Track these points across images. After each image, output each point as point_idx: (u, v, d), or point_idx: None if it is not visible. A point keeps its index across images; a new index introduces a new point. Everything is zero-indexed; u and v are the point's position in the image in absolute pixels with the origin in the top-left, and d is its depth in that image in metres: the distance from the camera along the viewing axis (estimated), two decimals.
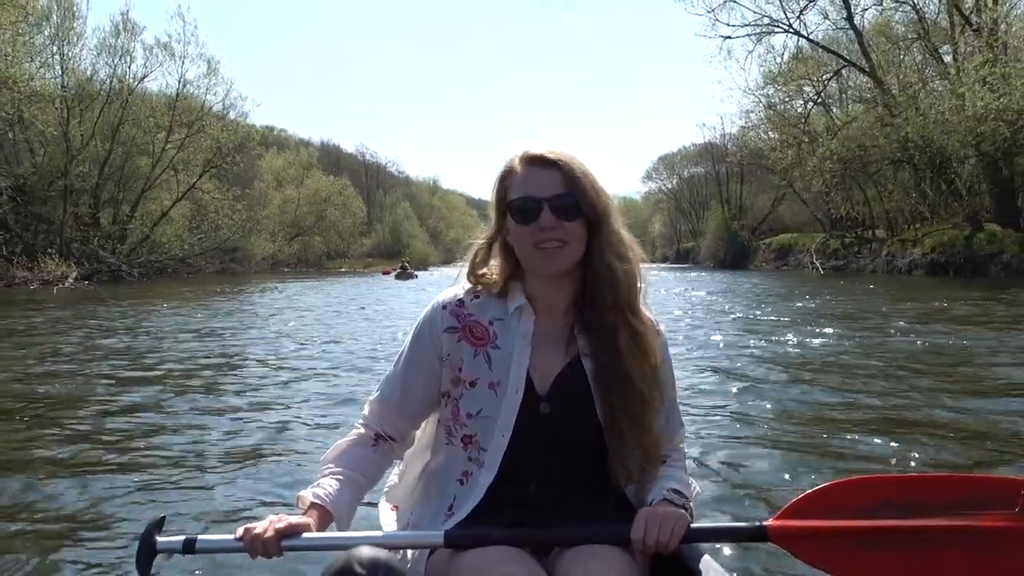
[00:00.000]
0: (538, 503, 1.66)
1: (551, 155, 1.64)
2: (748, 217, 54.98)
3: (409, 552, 1.66)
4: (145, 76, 40.91)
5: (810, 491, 1.64)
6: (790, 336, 9.84)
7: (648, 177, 76.56)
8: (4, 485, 3.89)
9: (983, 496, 1.59)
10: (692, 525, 1.58)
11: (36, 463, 4.38)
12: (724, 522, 1.71)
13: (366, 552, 1.18)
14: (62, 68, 36.56)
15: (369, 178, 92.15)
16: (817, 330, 10.53)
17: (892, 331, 10.13)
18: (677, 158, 70.13)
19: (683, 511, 1.59)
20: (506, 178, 1.68)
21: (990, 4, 28.18)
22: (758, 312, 14.42)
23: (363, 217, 74.54)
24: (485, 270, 1.78)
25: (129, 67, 40.36)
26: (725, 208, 56.61)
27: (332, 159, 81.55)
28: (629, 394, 1.67)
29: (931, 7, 31.66)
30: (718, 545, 1.70)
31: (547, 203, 1.61)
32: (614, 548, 1.56)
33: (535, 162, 1.65)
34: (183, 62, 42.09)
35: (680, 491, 1.64)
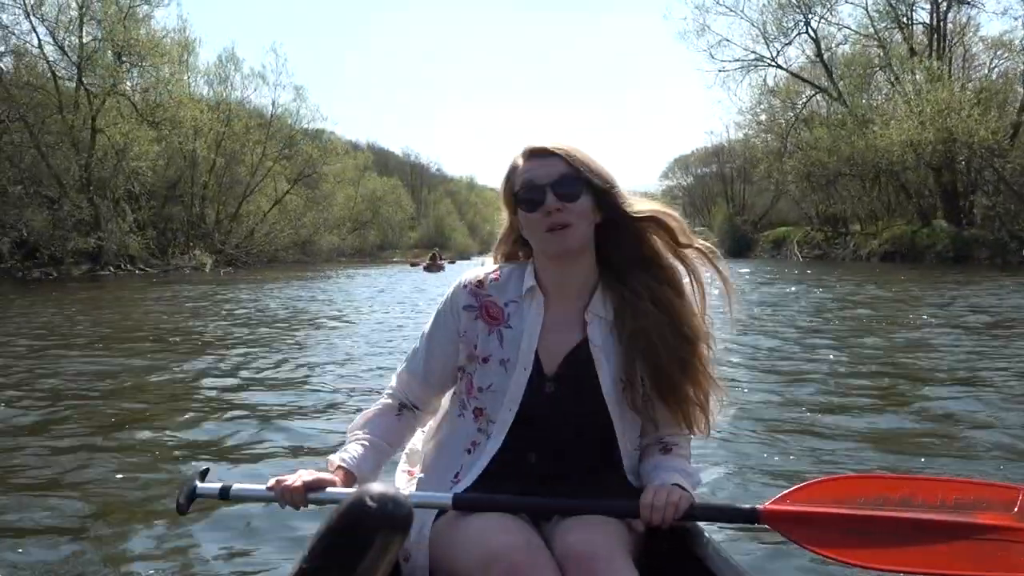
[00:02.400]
0: (540, 475, 1.72)
1: (550, 145, 1.72)
2: (751, 213, 62.39)
3: (415, 514, 1.59)
4: (242, 100, 50.08)
5: (808, 482, 1.68)
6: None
7: (665, 176, 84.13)
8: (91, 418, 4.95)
9: (981, 498, 1.59)
10: (694, 504, 1.62)
11: (149, 391, 6.04)
12: (723, 503, 1.77)
13: (376, 487, 1.23)
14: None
15: (414, 177, 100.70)
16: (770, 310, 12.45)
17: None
18: (691, 159, 77.60)
19: (687, 492, 1.64)
20: (511, 174, 1.76)
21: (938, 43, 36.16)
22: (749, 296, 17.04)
23: (412, 213, 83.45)
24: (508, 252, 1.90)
25: (231, 93, 49.56)
26: (729, 205, 64.35)
27: (382, 161, 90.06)
28: (655, 354, 1.70)
29: (895, 38, 39.46)
30: (715, 527, 1.76)
31: (549, 187, 1.68)
32: (611, 520, 1.63)
33: (536, 154, 1.73)
34: (275, 88, 51.37)
35: (682, 485, 1.66)
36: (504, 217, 1.85)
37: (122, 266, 34.03)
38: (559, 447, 1.73)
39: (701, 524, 1.73)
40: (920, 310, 12.30)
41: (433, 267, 37.13)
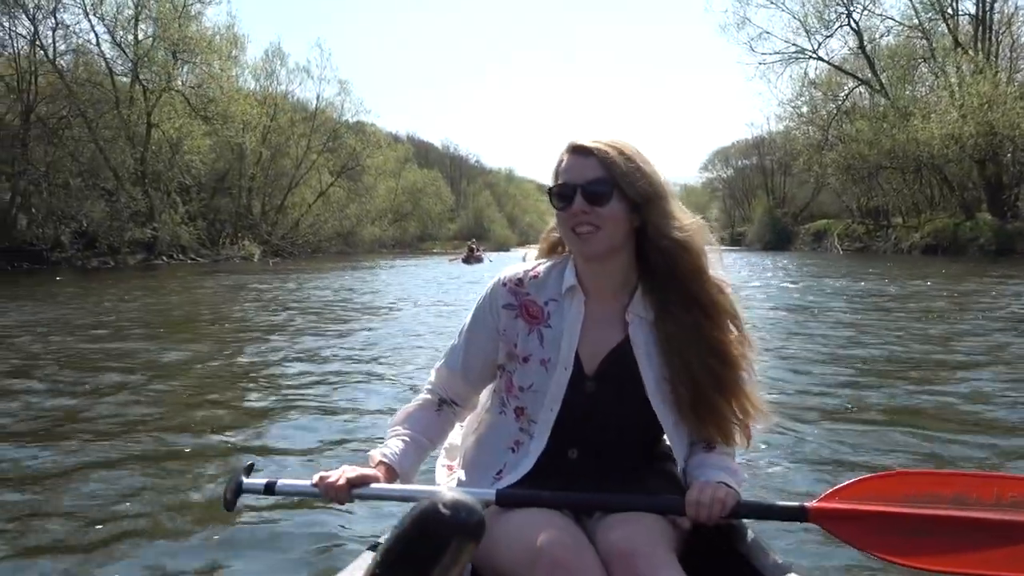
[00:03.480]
0: (582, 472, 1.72)
1: (591, 143, 1.69)
2: (791, 205, 62.05)
3: None
4: (288, 93, 51.23)
5: (857, 479, 1.65)
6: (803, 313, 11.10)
7: (705, 168, 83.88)
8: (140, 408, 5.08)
9: None
10: (740, 501, 1.61)
11: (191, 374, 6.30)
12: (769, 501, 1.72)
13: (448, 494, 1.23)
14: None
15: (454, 169, 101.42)
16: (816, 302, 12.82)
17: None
18: (731, 151, 77.26)
19: (733, 490, 1.63)
20: (556, 168, 1.74)
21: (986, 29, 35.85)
22: (789, 286, 17.26)
23: (451, 204, 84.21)
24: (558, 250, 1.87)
25: (277, 87, 50.72)
26: (769, 197, 64.06)
27: (423, 153, 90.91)
28: (690, 369, 1.68)
29: (939, 30, 39.10)
30: (761, 525, 1.70)
31: (580, 189, 1.66)
32: (656, 516, 1.62)
33: (577, 151, 1.71)
34: (320, 82, 52.48)
35: (727, 483, 1.64)
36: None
37: (175, 255, 35.34)
38: (601, 446, 1.74)
39: (746, 522, 1.73)
40: (967, 304, 12.27)
41: (471, 259, 36.39)
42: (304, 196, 51.14)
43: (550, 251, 1.88)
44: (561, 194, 1.70)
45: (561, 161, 1.74)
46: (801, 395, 5.51)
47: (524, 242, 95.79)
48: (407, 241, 71.02)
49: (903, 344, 8.11)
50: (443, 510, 1.20)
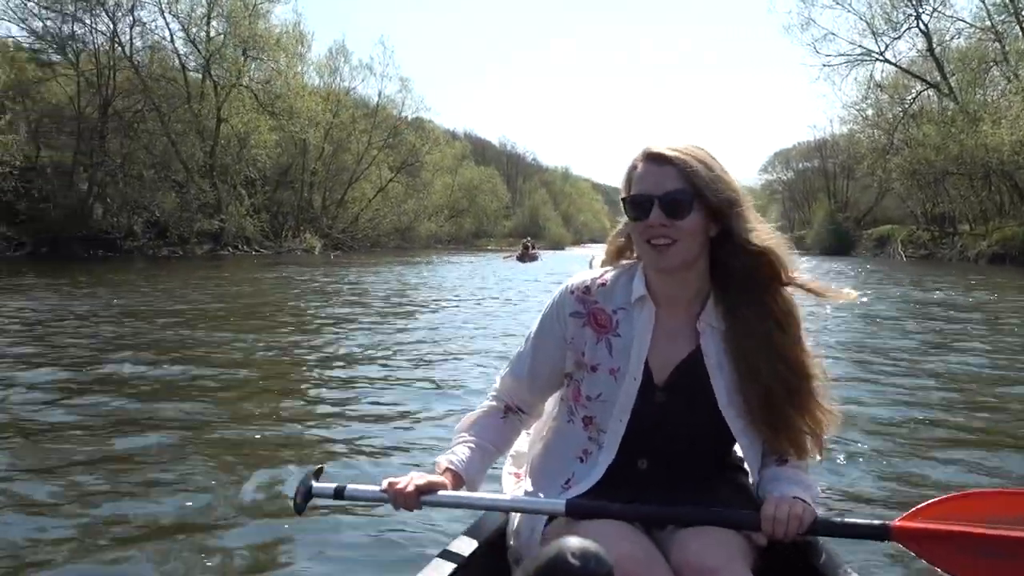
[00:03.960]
0: (651, 483, 1.69)
1: (669, 152, 1.63)
2: (854, 209, 60.87)
3: (527, 519, 1.74)
4: (350, 90, 52.14)
5: (942, 497, 1.57)
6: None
7: (764, 170, 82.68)
8: (204, 414, 4.94)
9: None
10: (817, 518, 1.56)
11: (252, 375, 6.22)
12: (848, 518, 1.58)
13: (575, 542, 1.20)
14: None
15: (510, 167, 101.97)
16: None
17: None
18: (792, 153, 76.07)
19: (809, 505, 1.58)
20: (629, 174, 1.70)
21: None
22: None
23: (507, 202, 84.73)
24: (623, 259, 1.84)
25: (340, 84, 51.71)
26: (831, 201, 62.94)
27: (480, 150, 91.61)
28: (761, 379, 1.64)
29: (1013, 32, 37.99)
30: (838, 543, 1.67)
31: (657, 200, 1.61)
32: (730, 531, 1.57)
33: (653, 159, 1.65)
34: (382, 79, 53.43)
35: (803, 499, 1.60)
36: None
37: (239, 247, 36.42)
38: (671, 456, 1.71)
39: (823, 539, 1.68)
40: None
41: (526, 257, 35.62)
42: (364, 191, 52.04)
43: (617, 256, 1.85)
44: (637, 204, 1.65)
45: (635, 168, 1.68)
46: (874, 408, 5.36)
47: (578, 241, 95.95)
48: (462, 237, 71.45)
49: (981, 357, 7.87)
50: (572, 560, 1.18)
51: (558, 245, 75.17)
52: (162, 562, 2.85)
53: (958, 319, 11.75)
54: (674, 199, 1.62)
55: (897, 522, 1.56)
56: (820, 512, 1.61)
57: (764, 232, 1.69)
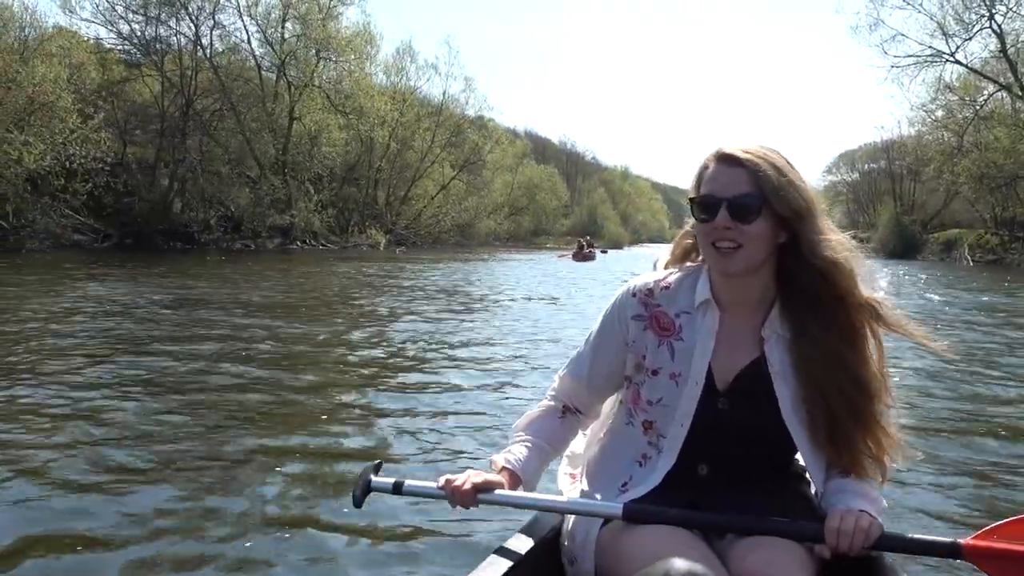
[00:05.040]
0: (711, 489, 1.67)
1: (741, 154, 1.60)
2: (920, 212, 59.65)
3: (582, 520, 1.72)
4: (415, 89, 53.28)
5: (1019, 516, 1.50)
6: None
7: (828, 171, 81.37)
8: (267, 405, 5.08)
9: None
10: (884, 533, 1.50)
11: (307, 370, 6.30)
12: (917, 534, 1.53)
13: (681, 565, 1.19)
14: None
15: (570, 165, 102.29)
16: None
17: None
18: (857, 154, 74.75)
19: (876, 519, 1.53)
20: (700, 173, 1.66)
21: None
22: (919, 296, 16.36)
23: (566, 200, 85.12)
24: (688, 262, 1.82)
25: (406, 83, 52.84)
26: (897, 204, 61.78)
27: (540, 149, 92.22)
28: (830, 384, 1.60)
29: None
30: (907, 560, 1.64)
31: (726, 203, 1.59)
32: (792, 543, 1.54)
33: (724, 160, 1.62)
34: (447, 79, 54.47)
35: (869, 512, 1.54)
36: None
37: (307, 241, 37.75)
38: (732, 463, 1.68)
39: (890, 555, 1.63)
40: None
41: (580, 256, 35.06)
42: (426, 188, 53.09)
43: (683, 257, 1.83)
44: (705, 205, 1.63)
45: (706, 168, 1.66)
46: (943, 419, 5.23)
47: (636, 240, 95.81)
48: (521, 235, 71.47)
49: None
50: None
51: (616, 244, 75.33)
52: (224, 552, 2.91)
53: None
54: (742, 203, 1.59)
55: (970, 540, 1.49)
56: (887, 527, 1.55)
57: (837, 244, 1.64)
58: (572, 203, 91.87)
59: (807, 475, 1.74)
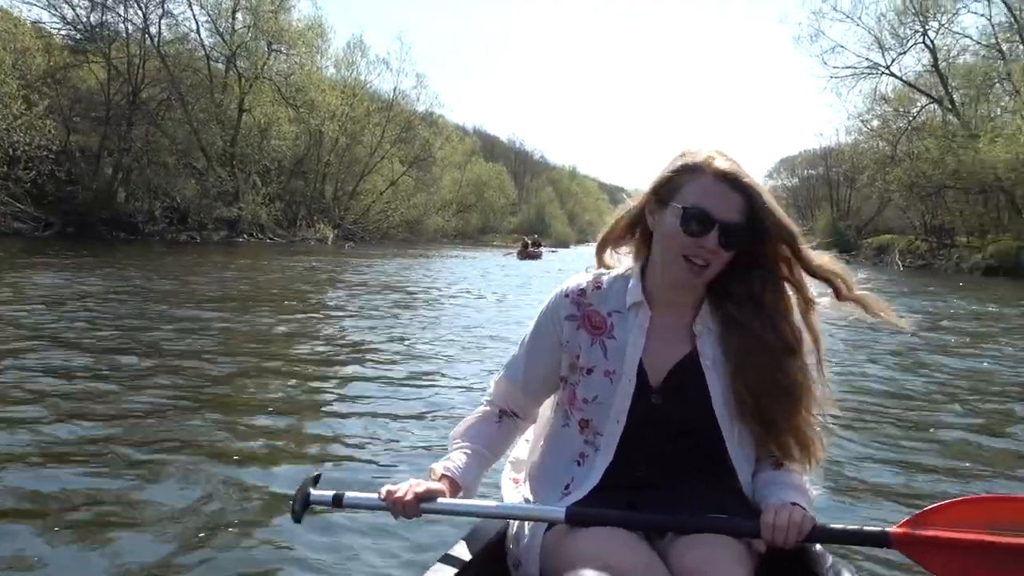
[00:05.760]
0: (650, 487, 1.68)
1: (744, 180, 1.62)
2: (856, 218, 61.72)
3: (526, 525, 1.72)
4: (366, 84, 53.08)
5: (942, 503, 1.55)
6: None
7: (769, 176, 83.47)
8: (196, 424, 4.49)
9: None
10: (817, 525, 1.55)
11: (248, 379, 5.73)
12: (846, 524, 1.57)
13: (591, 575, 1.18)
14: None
15: (518, 164, 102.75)
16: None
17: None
18: (797, 160, 76.87)
19: (809, 512, 1.58)
20: (686, 175, 1.65)
21: None
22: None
23: (514, 199, 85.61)
24: (610, 258, 1.84)
25: (356, 77, 52.61)
26: (833, 209, 63.88)
27: (489, 147, 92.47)
28: (762, 376, 1.65)
29: (1017, 51, 38.92)
30: (840, 550, 1.67)
31: (719, 225, 1.59)
32: (730, 539, 1.56)
33: (725, 178, 1.62)
34: (398, 75, 54.41)
35: (801, 504, 1.59)
36: (638, 196, 1.77)
37: (254, 235, 37.44)
38: (668, 459, 1.70)
39: (823, 545, 1.68)
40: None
41: (525, 255, 34.98)
42: (375, 184, 52.95)
43: (627, 231, 1.82)
44: (697, 220, 1.61)
45: (698, 173, 1.64)
46: (872, 412, 5.43)
47: (583, 240, 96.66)
48: (468, 233, 71.32)
49: (979, 364, 8.11)
50: None
51: (563, 243, 76.05)
52: (153, 568, 2.75)
53: (951, 328, 12.09)
54: (735, 232, 1.62)
55: (898, 528, 1.54)
56: (819, 518, 1.60)
57: (826, 265, 1.73)
58: (520, 201, 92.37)
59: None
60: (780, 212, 1.67)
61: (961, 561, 1.50)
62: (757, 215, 1.64)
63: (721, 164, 1.64)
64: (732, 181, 1.63)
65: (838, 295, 1.74)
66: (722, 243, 1.62)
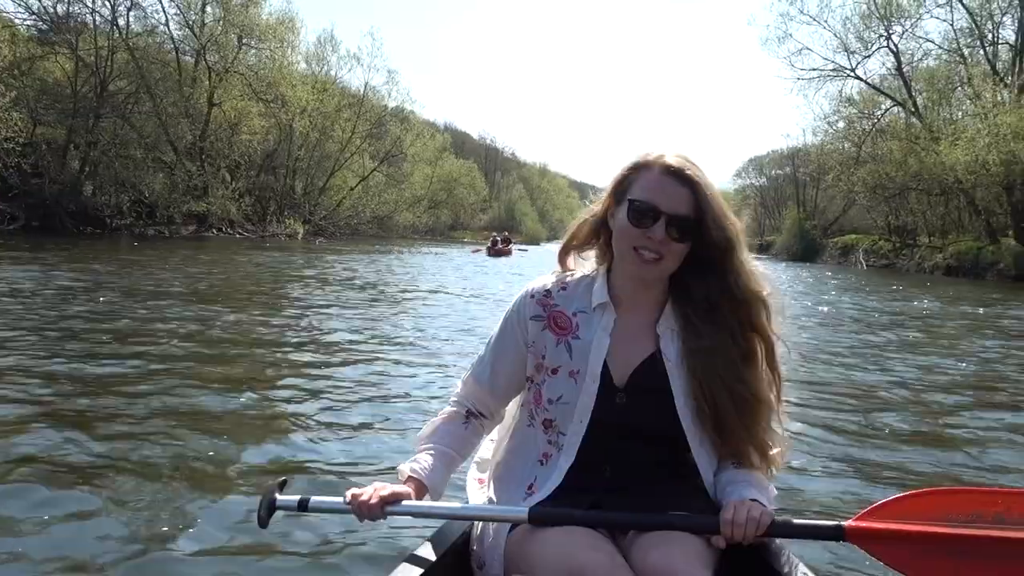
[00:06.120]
0: (613, 487, 1.70)
1: (690, 173, 1.65)
2: (822, 218, 62.72)
3: (491, 525, 1.73)
4: (336, 79, 52.87)
5: (895, 496, 1.60)
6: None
7: (738, 175, 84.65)
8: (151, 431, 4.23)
9: None
10: (774, 520, 1.59)
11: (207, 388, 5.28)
12: (804, 519, 1.61)
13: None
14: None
15: (488, 161, 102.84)
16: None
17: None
18: (766, 160, 78.10)
19: (766, 507, 1.62)
20: (636, 172, 1.70)
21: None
22: (811, 298, 17.56)
23: (484, 195, 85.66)
24: (572, 262, 1.86)
25: (327, 72, 52.37)
26: (800, 209, 64.85)
27: (459, 143, 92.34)
28: (719, 379, 1.68)
29: (978, 56, 39.86)
30: (796, 543, 1.68)
31: (666, 218, 1.63)
32: (691, 536, 1.58)
33: (671, 173, 1.65)
34: (369, 70, 54.28)
35: (760, 500, 1.63)
36: (601, 200, 1.80)
37: (223, 229, 37.17)
38: (633, 458, 1.72)
39: (781, 540, 1.71)
40: (985, 326, 12.78)
41: (494, 251, 34.68)
42: (346, 179, 52.77)
43: (589, 238, 1.85)
44: (643, 212, 1.66)
45: (647, 169, 1.70)
46: (827, 408, 5.59)
47: (553, 237, 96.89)
48: (439, 229, 71.58)
49: (931, 360, 8.36)
50: None
51: (533, 240, 76.39)
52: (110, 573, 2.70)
53: (909, 325, 12.42)
54: (682, 223, 1.66)
55: (851, 522, 1.58)
56: (777, 513, 1.64)
57: (757, 277, 1.75)
58: (491, 198, 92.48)
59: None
60: (722, 209, 1.69)
61: (912, 552, 1.54)
62: (702, 210, 1.67)
63: (669, 160, 1.69)
64: (678, 175, 1.68)
65: (758, 323, 1.75)
66: (670, 233, 1.66)
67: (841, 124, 47.15)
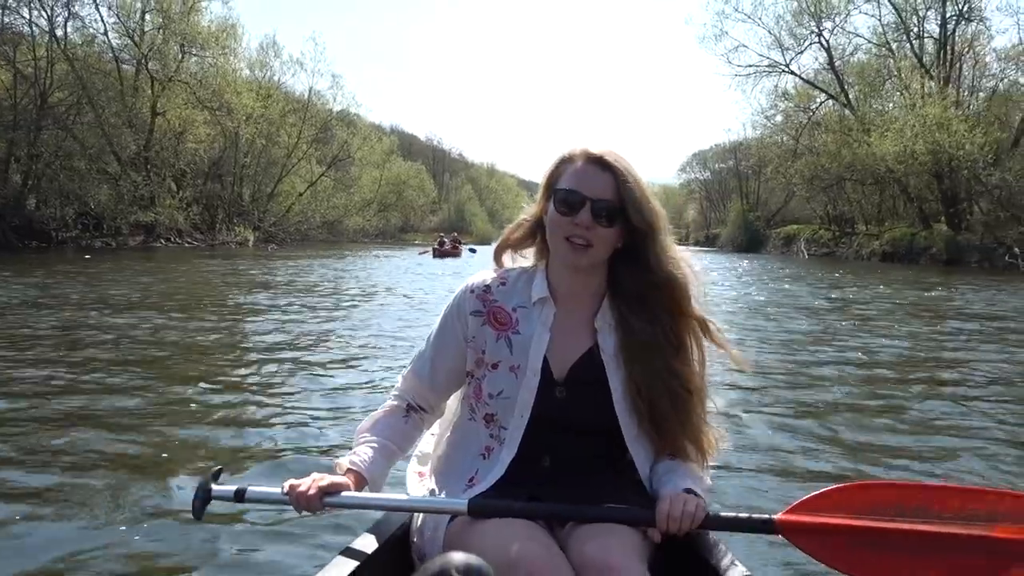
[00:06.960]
0: (553, 480, 1.72)
1: (610, 159, 1.69)
2: (764, 209, 64.26)
3: (431, 517, 1.73)
4: (280, 84, 52.62)
5: (823, 490, 1.63)
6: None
7: (683, 169, 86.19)
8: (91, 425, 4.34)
9: (999, 509, 1.55)
10: (709, 514, 1.61)
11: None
12: (736, 512, 1.64)
13: (459, 557, 1.22)
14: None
15: (436, 162, 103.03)
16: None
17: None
18: (709, 154, 79.69)
19: (702, 500, 1.63)
20: (562, 165, 1.74)
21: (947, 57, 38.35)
22: (753, 288, 17.72)
23: (434, 197, 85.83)
24: (509, 260, 1.88)
25: (270, 78, 52.03)
26: (744, 201, 66.44)
27: (407, 145, 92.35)
28: (653, 375, 1.71)
29: (904, 49, 41.46)
30: (730, 536, 1.68)
31: (590, 203, 1.67)
32: (628, 528, 1.61)
33: (593, 161, 1.70)
34: (313, 75, 54.05)
35: (694, 490, 1.65)
36: (536, 200, 1.83)
37: (171, 239, 36.91)
38: (572, 452, 1.75)
39: (714, 533, 1.73)
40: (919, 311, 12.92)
41: (440, 252, 34.24)
42: (294, 185, 52.60)
43: (524, 240, 1.87)
44: (569, 201, 1.70)
45: (571, 162, 1.74)
46: (761, 400, 5.60)
47: None
48: (389, 232, 71.66)
49: (865, 351, 8.27)
50: (455, 574, 1.21)
51: (484, 240, 76.75)
52: (52, 568, 2.70)
53: (847, 314, 12.39)
54: (606, 207, 1.68)
55: (782, 516, 1.61)
56: (711, 505, 1.67)
57: (676, 261, 1.77)
58: (440, 200, 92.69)
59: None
60: (644, 195, 1.73)
61: (838, 545, 1.58)
62: (624, 195, 1.71)
63: (591, 149, 1.74)
64: (600, 163, 1.72)
65: (680, 306, 1.78)
66: (596, 218, 1.69)
67: (779, 118, 48.67)
